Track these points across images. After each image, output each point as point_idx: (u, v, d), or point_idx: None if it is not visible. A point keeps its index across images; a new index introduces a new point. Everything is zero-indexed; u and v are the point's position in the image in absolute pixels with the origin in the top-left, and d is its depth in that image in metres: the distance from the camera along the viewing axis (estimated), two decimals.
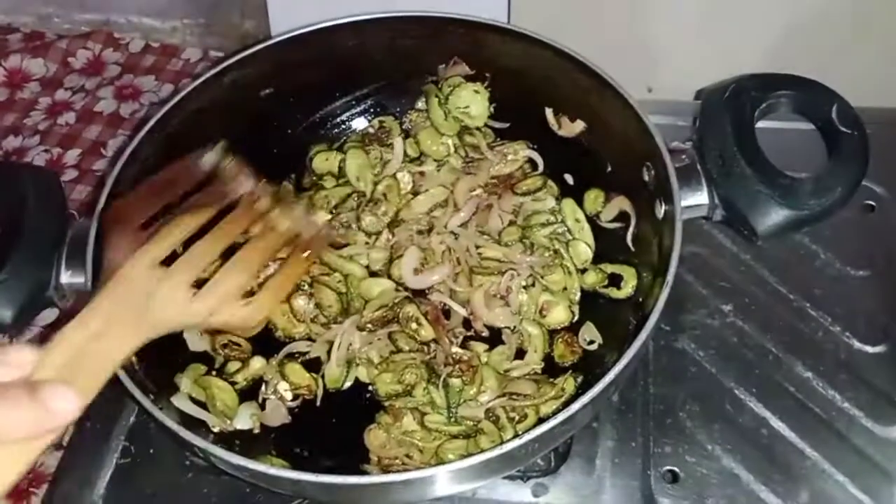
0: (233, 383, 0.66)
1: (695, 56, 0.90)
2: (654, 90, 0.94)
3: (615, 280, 0.69)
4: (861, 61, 0.84)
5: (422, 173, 0.76)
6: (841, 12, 0.82)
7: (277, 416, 0.66)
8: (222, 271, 0.53)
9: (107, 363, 0.45)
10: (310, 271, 0.70)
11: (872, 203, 0.79)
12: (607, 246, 0.71)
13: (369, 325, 0.68)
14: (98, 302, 0.47)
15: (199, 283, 0.52)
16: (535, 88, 0.75)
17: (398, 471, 0.61)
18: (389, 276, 0.72)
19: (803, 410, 0.69)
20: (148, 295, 0.49)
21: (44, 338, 0.81)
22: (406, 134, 0.79)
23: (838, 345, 0.72)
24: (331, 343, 0.67)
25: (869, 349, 0.72)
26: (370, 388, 0.67)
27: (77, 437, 0.70)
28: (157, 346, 0.49)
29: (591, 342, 0.68)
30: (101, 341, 0.45)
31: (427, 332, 0.67)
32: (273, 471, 0.51)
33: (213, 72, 0.71)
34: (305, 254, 0.60)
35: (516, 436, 0.51)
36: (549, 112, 0.76)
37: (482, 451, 0.51)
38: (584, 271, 0.71)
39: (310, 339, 0.69)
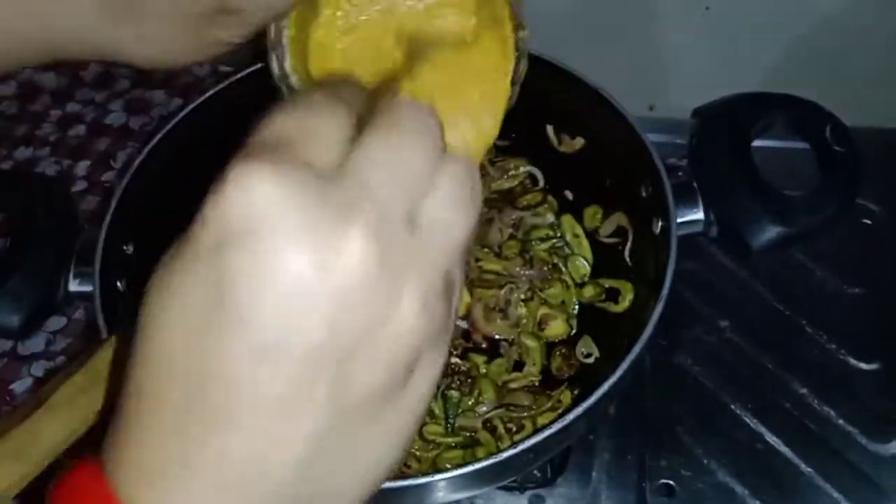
0: None
1: (696, 76, 0.91)
2: (656, 108, 0.95)
3: (613, 294, 0.70)
4: (857, 82, 0.85)
5: None
6: (838, 35, 0.84)
7: None
8: None
9: None
10: None
11: (868, 222, 0.80)
12: (605, 261, 0.72)
13: None
14: None
15: None
16: (537, 106, 0.76)
17: (394, 479, 0.62)
18: None
19: (798, 426, 0.69)
20: None
21: (49, 343, 0.83)
22: None
23: (834, 362, 0.73)
24: None
25: (864, 366, 0.72)
26: None
27: None
28: None
29: (589, 355, 0.69)
30: None
31: None
32: None
33: (220, 86, 0.72)
34: None
35: (512, 446, 0.52)
36: (549, 129, 0.77)
37: (478, 459, 0.52)
38: (582, 285, 0.72)
39: None
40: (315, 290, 0.25)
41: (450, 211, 0.29)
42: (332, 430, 0.27)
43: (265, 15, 0.52)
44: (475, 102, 0.54)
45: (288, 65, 0.54)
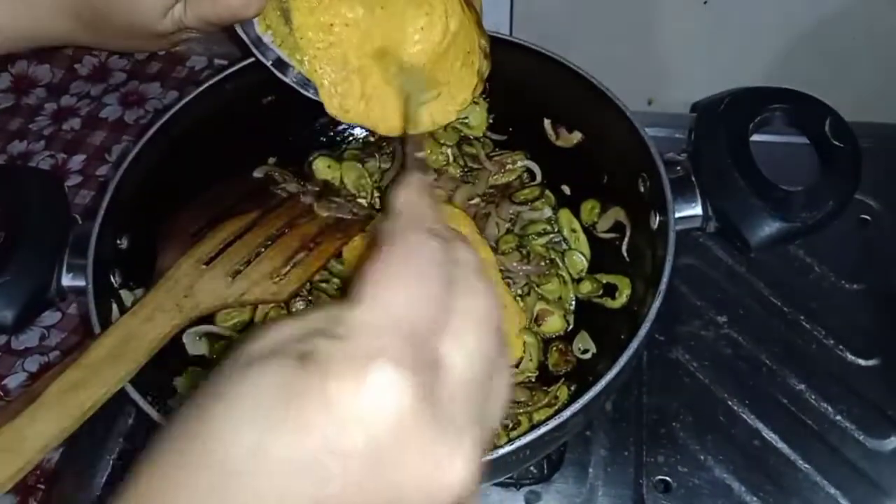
0: None
1: (695, 70, 0.91)
2: (655, 102, 0.95)
3: (610, 290, 0.70)
4: (856, 77, 0.85)
5: None
6: (838, 30, 0.83)
7: None
8: (257, 261, 0.65)
9: (150, 342, 0.56)
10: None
11: (867, 217, 0.80)
12: (603, 256, 0.72)
13: None
14: (148, 297, 0.59)
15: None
16: (534, 100, 0.76)
17: None
18: None
19: (796, 422, 0.69)
20: (189, 288, 0.61)
21: (43, 337, 0.83)
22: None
23: (832, 358, 0.73)
24: None
25: (862, 362, 0.72)
26: None
27: (75, 438, 0.70)
28: None
29: (585, 351, 0.68)
30: (146, 325, 0.57)
31: None
32: None
33: (215, 79, 0.72)
34: (338, 236, 0.69)
35: (508, 442, 0.52)
36: (547, 123, 0.76)
37: None
38: (579, 281, 0.71)
39: None
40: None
41: (506, 392, 0.32)
42: None
43: (220, 27, 0.60)
44: (452, 82, 0.66)
45: (258, 29, 0.62)
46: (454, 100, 0.66)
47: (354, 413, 0.26)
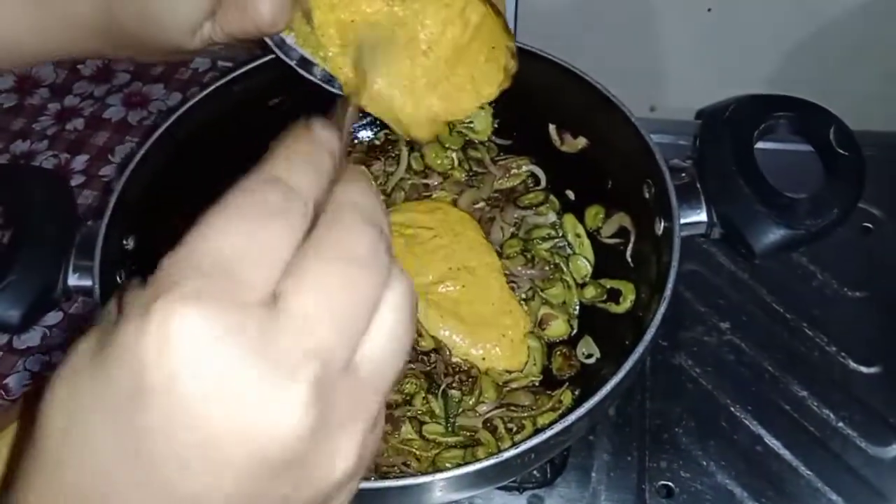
0: None
1: (697, 77, 0.91)
2: (657, 109, 0.95)
3: (614, 295, 0.70)
4: (860, 85, 0.85)
5: (426, 185, 0.77)
6: (841, 38, 0.84)
7: None
8: None
9: None
10: None
11: (870, 225, 0.80)
12: (607, 261, 0.72)
13: None
14: None
15: None
16: (539, 105, 0.76)
17: (395, 478, 0.61)
18: None
19: (798, 429, 0.70)
20: None
21: (45, 337, 0.83)
22: (411, 147, 0.80)
23: (834, 365, 0.73)
24: None
25: (864, 370, 0.73)
26: None
27: None
28: None
29: (589, 356, 0.68)
30: None
31: (427, 343, 0.68)
32: None
33: (221, 81, 0.72)
34: None
35: (513, 446, 0.52)
36: (552, 128, 0.76)
37: (478, 459, 0.52)
38: (583, 286, 0.72)
39: None
40: (241, 453, 0.24)
41: (390, 348, 0.27)
42: None
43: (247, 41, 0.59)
44: (476, 76, 0.68)
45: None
46: (479, 94, 0.68)
47: (147, 353, 0.23)
